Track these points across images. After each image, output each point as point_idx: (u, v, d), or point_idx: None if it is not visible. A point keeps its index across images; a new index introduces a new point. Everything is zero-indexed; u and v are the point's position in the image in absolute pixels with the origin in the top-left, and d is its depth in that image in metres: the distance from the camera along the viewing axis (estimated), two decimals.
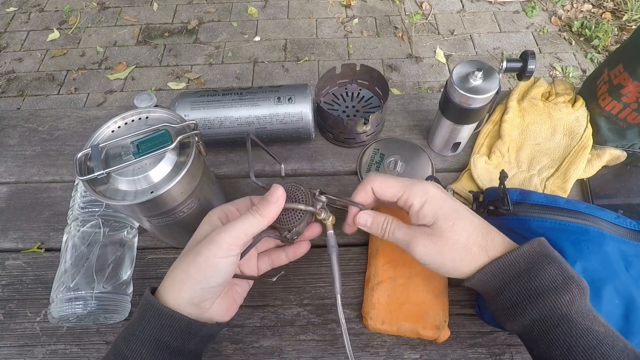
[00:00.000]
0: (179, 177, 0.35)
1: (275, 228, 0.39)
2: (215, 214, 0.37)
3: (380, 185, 0.37)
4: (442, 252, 0.34)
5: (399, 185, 0.36)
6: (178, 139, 0.36)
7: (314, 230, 0.41)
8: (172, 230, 0.44)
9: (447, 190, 0.52)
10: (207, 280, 0.32)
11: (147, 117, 0.39)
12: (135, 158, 0.35)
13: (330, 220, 0.39)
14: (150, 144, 0.35)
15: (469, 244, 0.34)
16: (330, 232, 0.39)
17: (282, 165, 0.48)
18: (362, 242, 0.51)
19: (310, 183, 0.56)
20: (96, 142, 0.37)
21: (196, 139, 0.38)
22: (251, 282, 0.42)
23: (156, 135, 0.36)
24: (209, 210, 0.46)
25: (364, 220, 0.38)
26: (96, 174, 0.34)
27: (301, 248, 0.42)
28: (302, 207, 0.37)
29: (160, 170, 0.36)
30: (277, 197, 0.34)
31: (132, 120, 0.39)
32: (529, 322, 0.32)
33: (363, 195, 0.38)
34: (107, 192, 0.36)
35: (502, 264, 0.33)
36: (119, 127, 0.38)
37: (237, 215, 0.37)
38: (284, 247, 0.42)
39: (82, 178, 0.35)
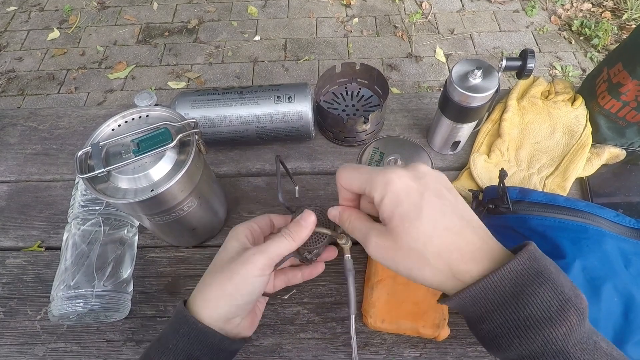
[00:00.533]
0: (179, 176, 0.35)
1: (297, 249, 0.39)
2: (242, 232, 0.37)
3: (346, 180, 0.33)
4: (396, 257, 0.29)
5: (362, 178, 0.31)
6: (178, 137, 0.36)
7: (330, 253, 0.42)
8: (172, 228, 0.44)
9: None
10: (243, 298, 0.34)
11: (147, 116, 0.39)
12: (136, 156, 0.35)
13: (348, 245, 0.40)
14: (150, 142, 0.35)
15: (426, 255, 0.27)
16: (348, 256, 0.39)
17: (297, 187, 0.50)
18: None
19: (310, 182, 0.56)
20: (96, 141, 0.37)
21: (196, 137, 0.38)
22: (267, 298, 0.43)
23: (156, 134, 0.36)
24: (208, 208, 0.46)
25: (333, 215, 0.37)
26: (96, 172, 0.34)
27: (317, 268, 0.43)
28: (327, 231, 0.39)
29: (160, 168, 0.36)
30: (309, 223, 0.36)
31: (133, 119, 0.39)
32: (517, 358, 0.26)
33: (344, 195, 0.35)
34: (107, 190, 0.36)
35: (484, 289, 0.26)
36: (119, 125, 0.38)
37: (259, 232, 0.39)
38: (300, 266, 0.43)
39: (82, 176, 0.35)
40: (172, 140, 0.35)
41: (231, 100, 0.53)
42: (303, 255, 0.40)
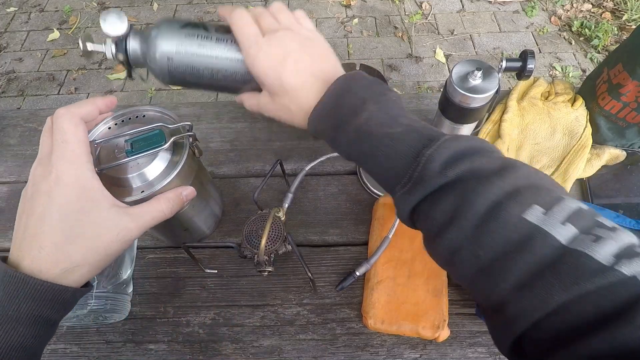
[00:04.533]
0: (170, 178, 0.35)
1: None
2: (87, 166, 0.30)
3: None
4: (271, 111, 0.37)
5: (240, 42, 0.35)
6: (172, 139, 0.36)
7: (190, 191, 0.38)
8: (164, 227, 0.44)
9: None
10: (107, 263, 0.32)
11: (144, 116, 0.39)
12: (129, 157, 0.35)
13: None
14: (144, 143, 0.35)
15: (289, 105, 0.34)
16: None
17: (291, 195, 0.51)
18: (362, 241, 0.51)
19: (310, 182, 0.56)
20: (91, 139, 0.37)
21: (190, 140, 0.38)
22: None
23: (150, 135, 0.35)
24: (201, 210, 0.46)
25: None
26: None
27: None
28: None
29: (154, 168, 0.36)
30: (188, 195, 0.37)
31: (129, 119, 0.39)
32: (346, 149, 0.32)
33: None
34: None
35: (322, 107, 0.32)
36: (115, 124, 0.38)
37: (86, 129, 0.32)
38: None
39: None
40: (165, 142, 0.35)
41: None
42: (258, 259, 0.42)
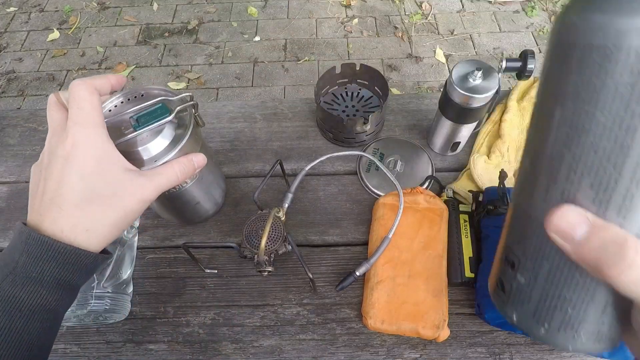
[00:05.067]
0: (181, 145, 0.37)
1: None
2: (104, 135, 0.31)
3: None
4: None
5: None
6: (176, 110, 0.37)
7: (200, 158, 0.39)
8: (175, 203, 0.46)
9: (447, 190, 0.53)
10: (126, 225, 0.32)
11: (142, 95, 0.39)
12: (136, 131, 0.35)
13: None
14: (149, 117, 0.36)
15: None
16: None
17: (290, 194, 0.51)
18: (362, 241, 0.51)
19: (310, 183, 0.56)
20: None
21: (193, 110, 0.39)
22: None
23: (154, 109, 0.36)
24: (210, 182, 0.48)
25: (570, 226, 0.19)
26: None
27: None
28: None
29: (161, 140, 0.37)
30: (199, 163, 0.38)
31: (129, 99, 0.39)
32: None
33: None
34: None
35: None
36: (116, 106, 0.39)
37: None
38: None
39: None
40: (170, 114, 0.36)
41: None
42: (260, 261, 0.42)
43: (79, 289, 0.31)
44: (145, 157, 0.36)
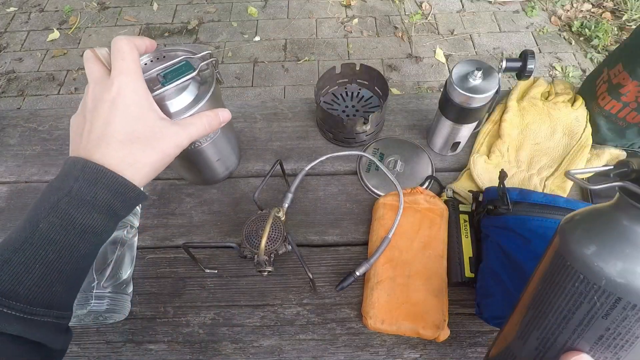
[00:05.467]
0: (207, 98, 0.40)
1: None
2: (143, 87, 0.34)
3: None
4: None
5: None
6: (200, 65, 0.39)
7: (225, 114, 0.42)
8: (198, 159, 0.49)
9: (447, 190, 0.53)
10: (163, 166, 0.35)
11: (164, 57, 0.42)
12: (164, 87, 0.37)
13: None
14: (175, 73, 0.39)
15: None
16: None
17: (290, 194, 0.51)
18: (362, 241, 0.51)
19: (310, 183, 0.56)
20: None
21: (213, 64, 0.42)
22: None
23: (179, 67, 0.39)
24: (229, 139, 0.52)
25: None
26: None
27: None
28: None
29: (188, 94, 0.39)
30: (224, 118, 0.41)
31: (151, 60, 0.41)
32: None
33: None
34: None
35: None
36: (146, 64, 0.41)
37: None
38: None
39: None
40: (194, 70, 0.39)
41: None
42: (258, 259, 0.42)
43: (119, 221, 0.34)
44: (172, 111, 0.39)
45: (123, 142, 0.32)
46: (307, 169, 0.52)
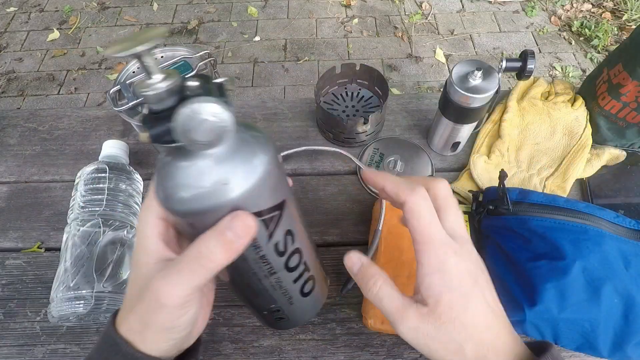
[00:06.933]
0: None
1: None
2: (152, 232, 0.26)
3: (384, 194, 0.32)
4: (432, 345, 0.27)
5: (419, 226, 0.29)
6: (197, 65, 0.40)
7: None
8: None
9: None
10: (182, 329, 0.26)
11: (162, 57, 0.42)
12: None
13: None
14: None
15: (465, 350, 0.26)
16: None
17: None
18: (362, 242, 0.51)
19: (310, 183, 0.56)
20: (122, 80, 0.40)
21: (212, 67, 0.42)
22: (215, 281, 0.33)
23: (177, 67, 0.39)
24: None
25: (351, 263, 0.31)
26: (131, 104, 0.38)
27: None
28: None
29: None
30: (248, 232, 0.23)
31: None
32: None
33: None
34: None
35: None
36: (139, 68, 0.41)
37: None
38: None
39: (118, 109, 0.38)
40: (192, 69, 0.39)
41: None
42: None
43: None
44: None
45: (127, 305, 0.27)
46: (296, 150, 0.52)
